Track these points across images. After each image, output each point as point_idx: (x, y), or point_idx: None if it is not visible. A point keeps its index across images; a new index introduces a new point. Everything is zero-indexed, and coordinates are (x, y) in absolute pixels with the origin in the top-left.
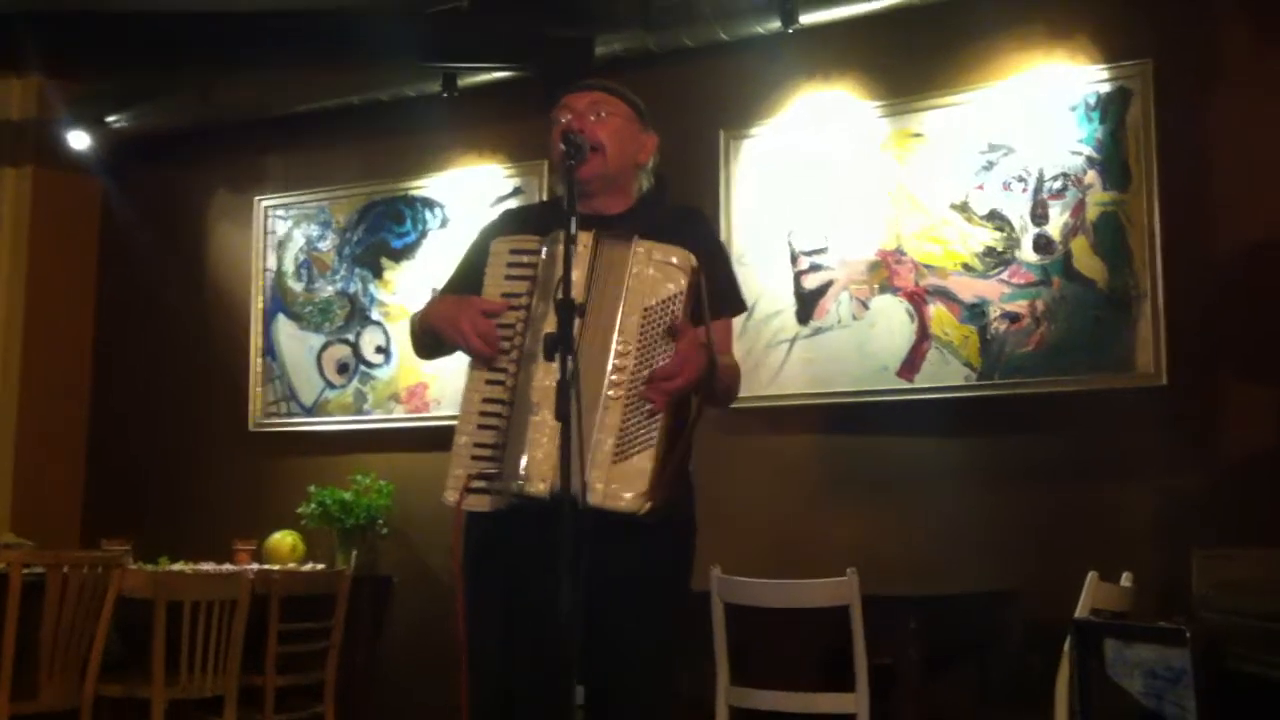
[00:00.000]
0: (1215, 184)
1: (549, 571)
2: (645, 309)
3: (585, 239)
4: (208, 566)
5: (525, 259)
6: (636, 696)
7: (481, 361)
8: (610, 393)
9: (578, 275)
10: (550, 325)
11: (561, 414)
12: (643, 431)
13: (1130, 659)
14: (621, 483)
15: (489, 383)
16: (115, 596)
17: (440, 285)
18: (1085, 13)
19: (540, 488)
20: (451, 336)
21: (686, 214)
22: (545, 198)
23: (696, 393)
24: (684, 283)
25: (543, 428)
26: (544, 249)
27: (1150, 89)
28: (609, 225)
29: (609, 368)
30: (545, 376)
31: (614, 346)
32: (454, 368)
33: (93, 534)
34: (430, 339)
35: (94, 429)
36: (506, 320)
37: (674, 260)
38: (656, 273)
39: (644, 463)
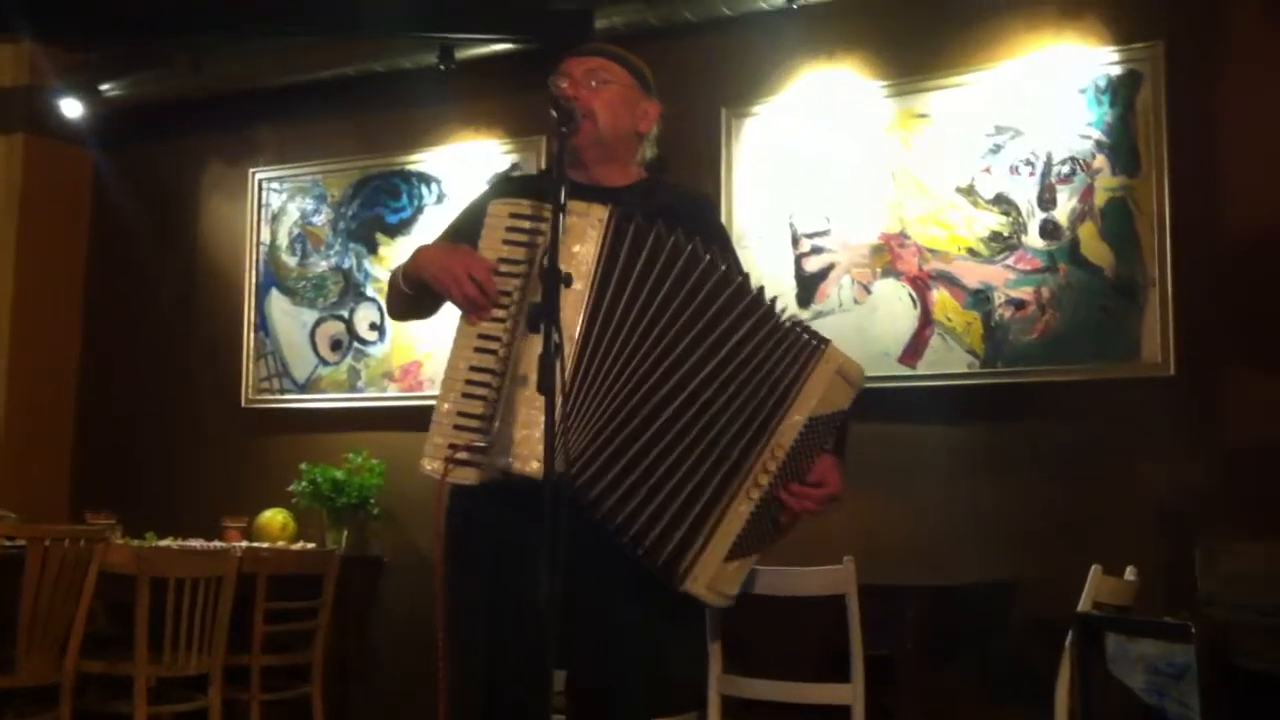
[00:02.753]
0: (1226, 171)
1: (534, 553)
2: (813, 417)
3: (599, 213)
4: (196, 543)
5: (525, 224)
6: (625, 682)
7: (473, 312)
8: (750, 489)
9: (583, 250)
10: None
11: (544, 387)
12: (759, 539)
13: (1133, 654)
14: (722, 584)
15: (478, 350)
16: (98, 572)
17: None
18: None
19: (534, 467)
20: (442, 281)
21: (695, 202)
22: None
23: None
24: (851, 402)
25: (539, 403)
26: (545, 216)
27: (1161, 72)
28: (611, 199)
29: (759, 463)
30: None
31: (773, 443)
32: (449, 345)
33: (80, 509)
34: (414, 288)
35: (83, 402)
36: (503, 288)
37: (852, 378)
38: (834, 382)
39: (747, 566)
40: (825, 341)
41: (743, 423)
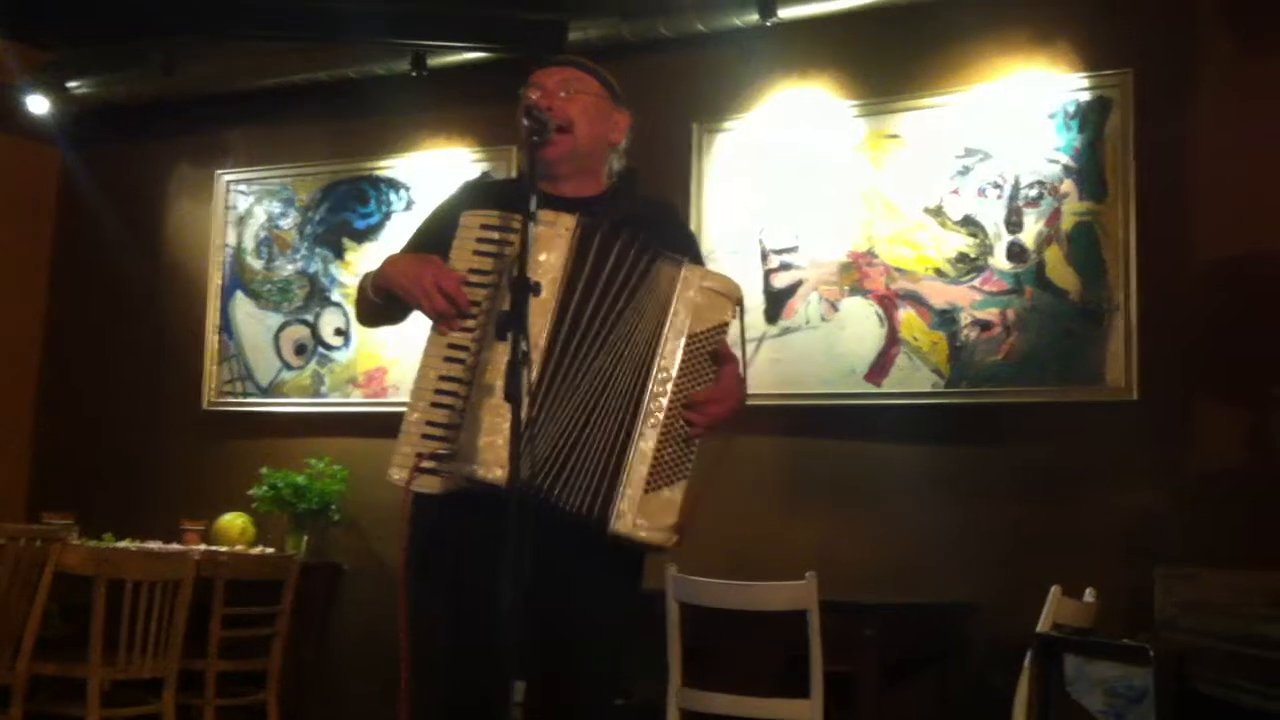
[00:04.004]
0: (1193, 199)
1: (498, 562)
2: (692, 335)
3: (567, 222)
4: (154, 545)
5: (495, 235)
6: (581, 694)
7: (443, 323)
8: (649, 419)
9: (552, 258)
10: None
11: (511, 395)
12: (677, 463)
13: (1092, 676)
14: (652, 515)
15: (447, 359)
16: (53, 572)
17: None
18: (1067, 20)
19: (497, 474)
20: (412, 294)
21: (662, 209)
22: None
23: (727, 425)
24: (729, 315)
25: (503, 410)
26: (515, 227)
27: (1130, 100)
28: (583, 209)
29: (648, 392)
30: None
31: (656, 371)
32: (415, 352)
33: (38, 508)
34: (383, 298)
35: (43, 401)
36: (473, 298)
37: (723, 289)
38: (703, 300)
39: (674, 495)
40: (680, 261)
41: (634, 365)
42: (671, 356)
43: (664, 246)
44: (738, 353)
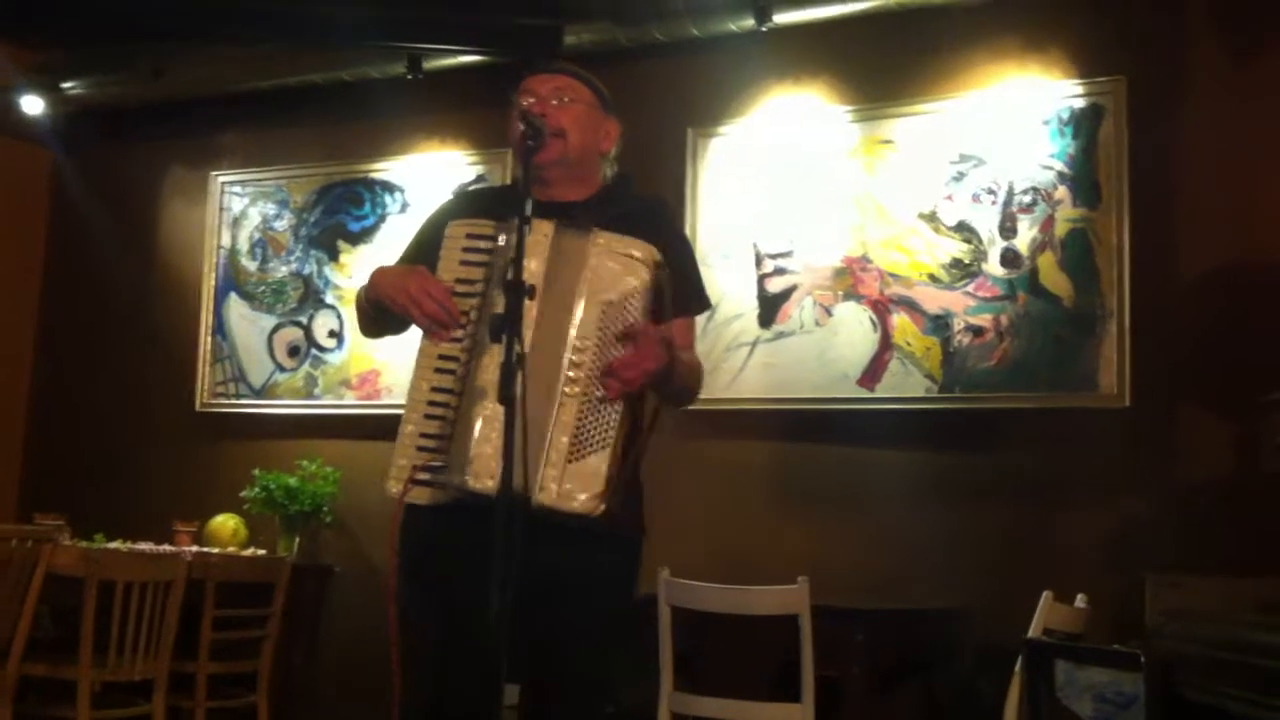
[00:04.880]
0: (1186, 205)
1: (488, 568)
2: (605, 303)
3: (546, 228)
4: (145, 546)
5: (482, 244)
6: (570, 701)
7: (434, 332)
8: (566, 389)
9: (535, 264)
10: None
11: (504, 398)
12: (599, 430)
13: (1082, 682)
14: (576, 483)
15: (438, 371)
16: (44, 573)
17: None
18: (1061, 27)
19: (487, 484)
20: (401, 304)
21: (651, 205)
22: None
23: (655, 390)
24: (646, 277)
25: (492, 420)
26: (501, 236)
27: (1124, 106)
28: (570, 213)
29: (565, 363)
30: (496, 366)
31: (571, 341)
32: (407, 355)
33: (29, 509)
34: (376, 310)
35: (35, 402)
36: (461, 308)
37: (635, 254)
38: (616, 265)
39: (599, 463)
40: (590, 230)
41: (556, 337)
42: (587, 325)
43: (653, 239)
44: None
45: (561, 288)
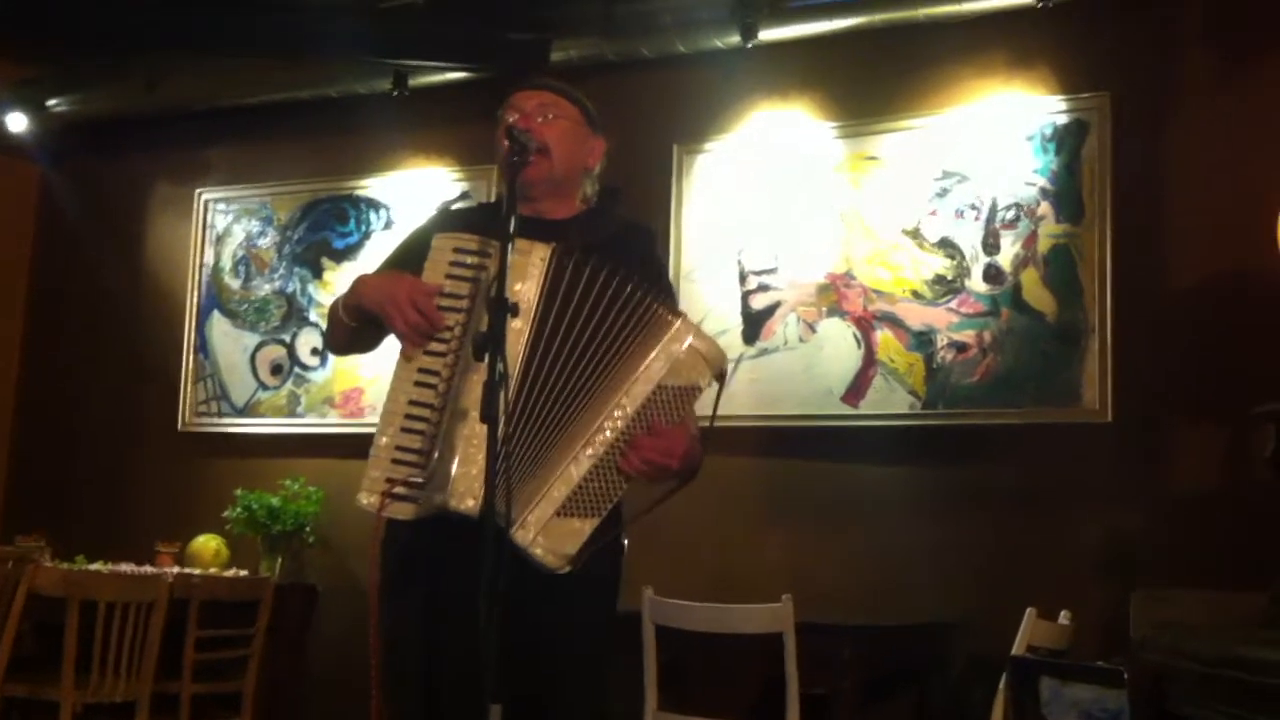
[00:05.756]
0: (1169, 221)
1: (472, 590)
2: (661, 385)
3: (541, 251)
4: (127, 567)
5: (469, 259)
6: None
7: (415, 341)
8: (588, 449)
9: (527, 288)
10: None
11: (487, 416)
12: (599, 498)
13: (1067, 698)
14: (553, 539)
15: (418, 384)
16: (26, 593)
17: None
18: (1045, 44)
19: (469, 504)
20: (385, 310)
21: (634, 231)
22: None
23: (671, 479)
24: (705, 381)
25: (475, 440)
26: (489, 252)
27: (1107, 123)
28: (555, 231)
29: (597, 424)
30: (481, 385)
31: (614, 404)
32: (391, 373)
33: (11, 530)
34: (355, 318)
35: (18, 420)
36: (444, 322)
37: (707, 354)
38: (685, 356)
39: (584, 527)
40: (680, 315)
41: (597, 396)
42: (634, 399)
43: (631, 271)
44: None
45: (617, 344)
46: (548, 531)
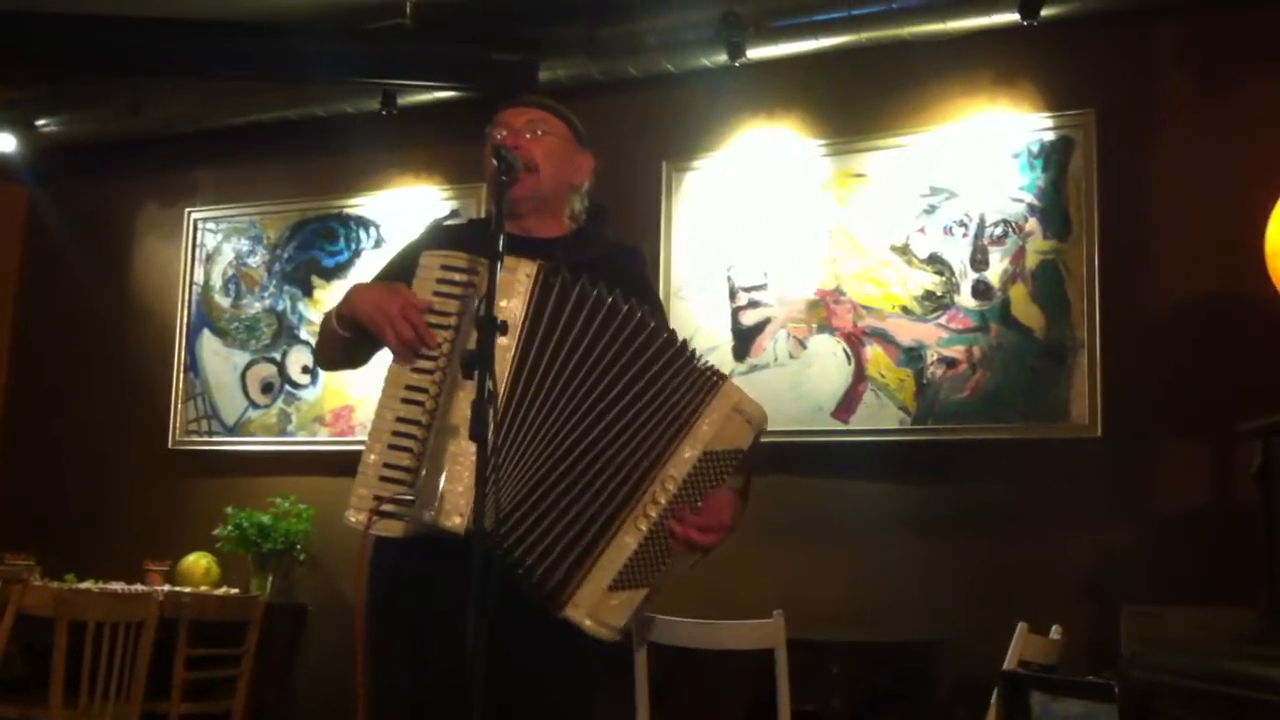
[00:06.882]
0: (1155, 236)
1: (459, 607)
2: (707, 451)
3: (527, 268)
4: (117, 586)
5: (457, 277)
6: None
7: (406, 354)
8: (639, 521)
9: (511, 305)
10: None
11: (476, 434)
12: (650, 570)
13: (1057, 713)
14: (605, 613)
15: (406, 401)
16: (15, 613)
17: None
18: (1030, 61)
19: (455, 522)
20: (377, 321)
21: (624, 252)
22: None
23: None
24: (749, 441)
25: (463, 458)
26: (478, 270)
27: (1093, 139)
28: (542, 249)
29: (646, 491)
30: (468, 402)
31: (660, 472)
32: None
33: (0, 549)
34: (348, 328)
35: (6, 438)
36: (435, 338)
37: (752, 417)
38: (731, 421)
39: (633, 598)
40: (723, 378)
41: (639, 458)
42: (683, 465)
43: (622, 293)
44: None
45: (664, 412)
46: (600, 606)
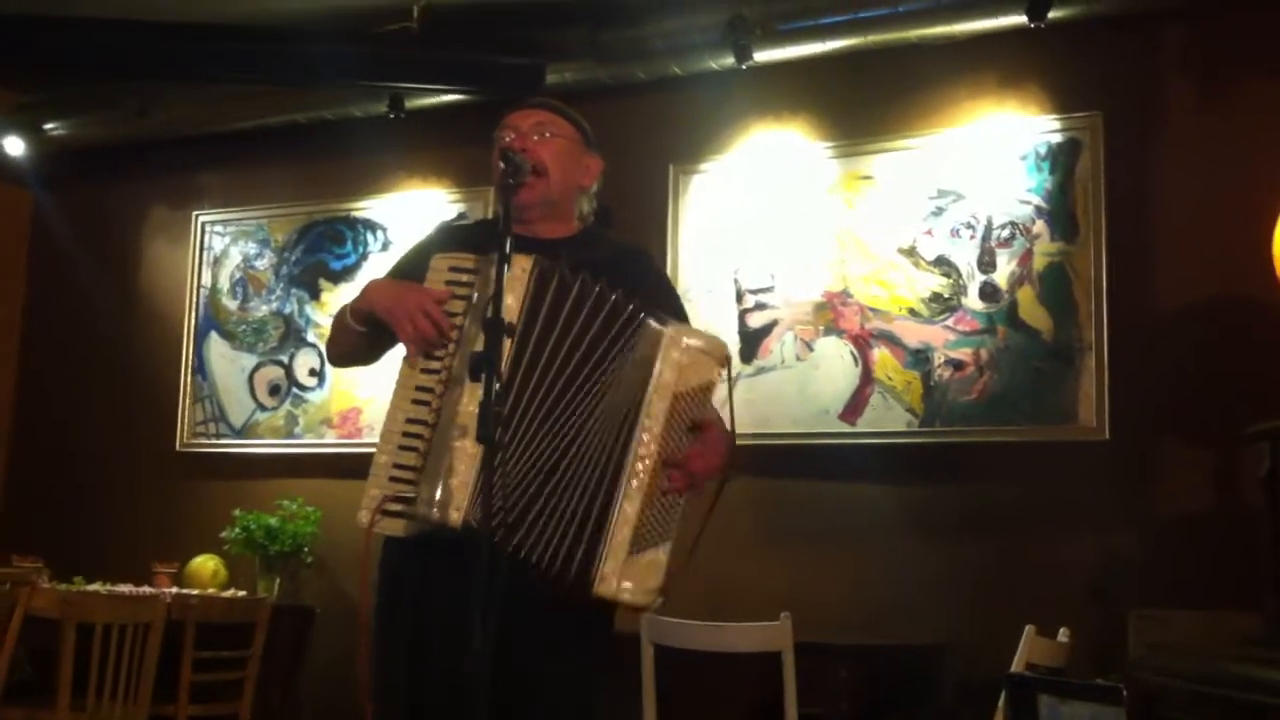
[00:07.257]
0: (1162, 239)
1: (463, 608)
2: (677, 394)
3: (524, 263)
4: (124, 588)
5: (464, 278)
6: None
7: (421, 350)
8: (632, 481)
9: (510, 301)
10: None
11: (483, 436)
12: (662, 524)
13: (1065, 716)
14: (637, 578)
15: (415, 402)
16: (23, 615)
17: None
18: (1037, 63)
19: (453, 516)
20: (395, 315)
21: (632, 252)
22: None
23: (715, 478)
24: (716, 375)
25: (463, 454)
26: (481, 270)
27: (1100, 141)
28: (549, 250)
29: (630, 453)
30: (471, 401)
31: (638, 431)
32: (389, 393)
33: (7, 551)
34: (364, 322)
35: (14, 441)
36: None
37: (708, 349)
38: (688, 359)
39: (660, 555)
40: (665, 321)
41: (620, 429)
42: (656, 417)
43: (641, 293)
44: (725, 412)
45: (621, 369)
46: (627, 574)
